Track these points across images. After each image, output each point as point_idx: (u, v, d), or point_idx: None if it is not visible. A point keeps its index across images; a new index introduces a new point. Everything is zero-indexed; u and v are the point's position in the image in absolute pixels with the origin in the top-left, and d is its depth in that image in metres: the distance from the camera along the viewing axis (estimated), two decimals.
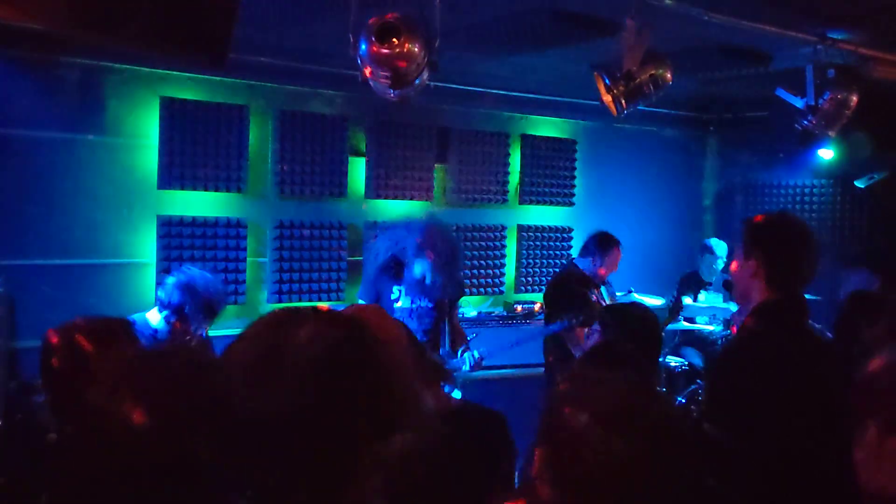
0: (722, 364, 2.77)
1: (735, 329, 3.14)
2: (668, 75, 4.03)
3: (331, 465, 1.02)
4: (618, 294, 6.01)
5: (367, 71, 3.24)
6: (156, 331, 3.96)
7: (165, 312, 3.91)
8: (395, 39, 3.12)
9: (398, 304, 4.85)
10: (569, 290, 5.34)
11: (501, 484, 2.12)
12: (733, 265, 2.76)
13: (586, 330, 3.38)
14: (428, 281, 4.71)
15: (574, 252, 7.42)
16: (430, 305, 4.88)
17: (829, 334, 5.08)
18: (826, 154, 6.80)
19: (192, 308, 3.88)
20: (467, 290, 6.76)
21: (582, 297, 5.25)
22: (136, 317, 4.12)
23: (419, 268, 4.73)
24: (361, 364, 1.06)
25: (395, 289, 4.89)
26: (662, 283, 6.87)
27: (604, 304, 5.43)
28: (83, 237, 5.23)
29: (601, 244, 5.42)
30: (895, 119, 6.21)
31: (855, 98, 4.79)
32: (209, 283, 4.01)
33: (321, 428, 1.01)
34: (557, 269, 7.37)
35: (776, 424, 2.35)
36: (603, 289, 5.61)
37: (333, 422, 1.01)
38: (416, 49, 3.18)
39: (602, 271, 5.44)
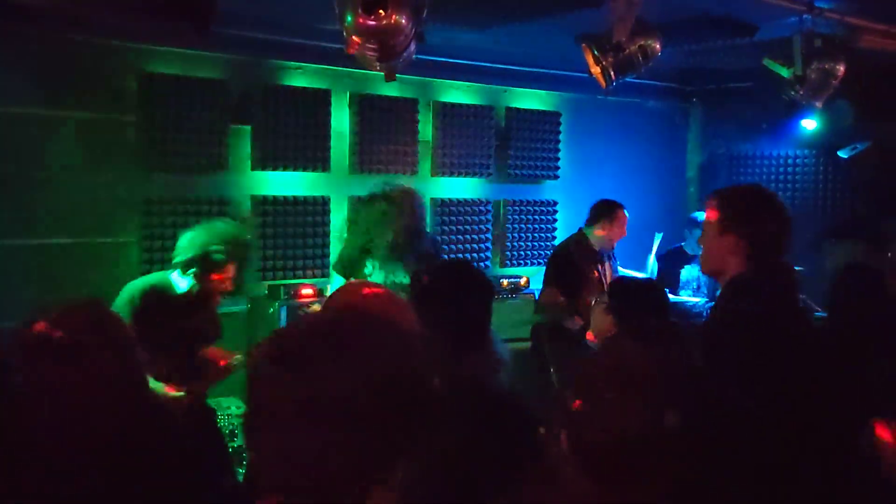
0: (709, 344, 2.73)
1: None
2: (658, 46, 3.99)
3: (367, 455, 1.00)
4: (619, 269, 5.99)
5: (354, 43, 3.17)
6: (182, 292, 3.87)
7: (184, 269, 3.76)
8: (381, 11, 3.05)
9: (371, 279, 4.83)
10: (566, 260, 5.33)
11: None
12: (707, 240, 2.72)
13: (592, 302, 3.36)
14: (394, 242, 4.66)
15: (560, 225, 7.41)
16: (406, 281, 4.85)
17: (814, 306, 5.13)
18: (809, 125, 6.81)
19: (209, 262, 3.72)
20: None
21: (578, 268, 5.24)
22: (157, 277, 4.03)
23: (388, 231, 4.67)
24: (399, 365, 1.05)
25: (369, 262, 4.86)
26: (645, 255, 6.87)
27: (605, 280, 5.42)
28: (64, 216, 5.13)
29: (605, 209, 5.42)
30: (878, 89, 6.22)
31: (842, 68, 4.78)
32: (223, 227, 3.88)
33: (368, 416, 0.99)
34: (541, 242, 7.38)
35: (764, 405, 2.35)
36: (609, 263, 5.58)
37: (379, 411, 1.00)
38: (404, 20, 3.11)
39: (613, 236, 5.42)
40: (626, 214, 5.51)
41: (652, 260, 6.50)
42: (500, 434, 2.22)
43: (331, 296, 2.25)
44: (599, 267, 5.47)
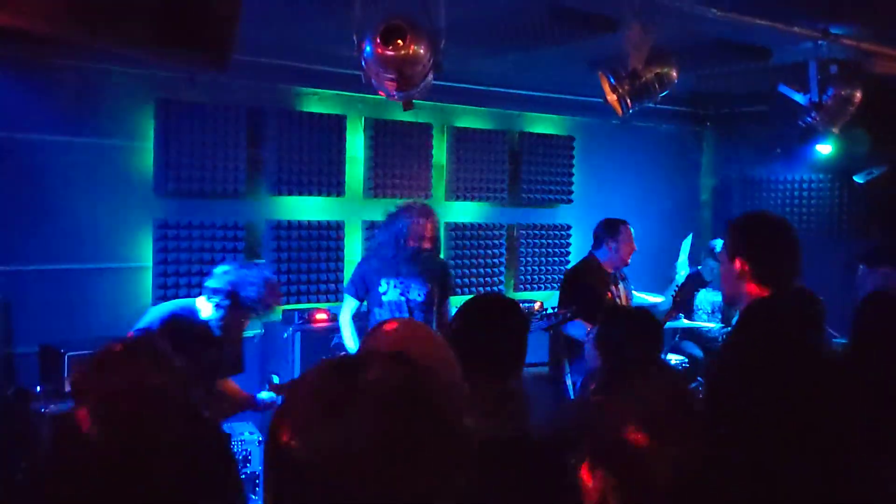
0: (717, 376, 2.69)
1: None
2: (674, 73, 3.99)
3: None
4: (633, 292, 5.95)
5: (372, 73, 3.18)
6: (207, 321, 3.88)
7: (216, 299, 3.73)
8: (399, 41, 3.06)
9: (386, 297, 4.86)
10: (579, 284, 5.30)
11: None
12: (721, 269, 2.74)
13: (588, 328, 3.33)
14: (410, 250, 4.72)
15: (574, 249, 7.40)
16: (420, 299, 4.87)
17: (833, 332, 5.08)
18: (824, 149, 6.78)
19: (243, 300, 3.73)
20: (466, 289, 6.75)
21: (593, 290, 5.21)
22: (182, 304, 4.03)
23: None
24: (428, 406, 1.04)
25: (384, 281, 4.89)
26: (660, 279, 6.84)
27: (619, 300, 5.39)
28: (79, 241, 5.15)
29: (608, 228, 5.35)
30: (894, 114, 6.19)
31: (858, 94, 4.76)
32: (261, 279, 3.84)
33: (388, 473, 0.98)
34: (555, 266, 7.36)
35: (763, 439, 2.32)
36: (622, 284, 5.54)
37: (400, 467, 0.99)
38: (422, 51, 3.12)
39: (623, 253, 5.35)
40: (631, 229, 5.41)
41: (682, 259, 6.39)
42: (539, 480, 2.19)
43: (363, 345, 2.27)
44: (613, 289, 5.45)
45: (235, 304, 3.74)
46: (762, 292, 2.58)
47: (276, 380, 4.40)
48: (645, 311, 3.58)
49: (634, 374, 2.51)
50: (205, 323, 3.78)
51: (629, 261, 5.50)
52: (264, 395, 4.13)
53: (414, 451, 1.00)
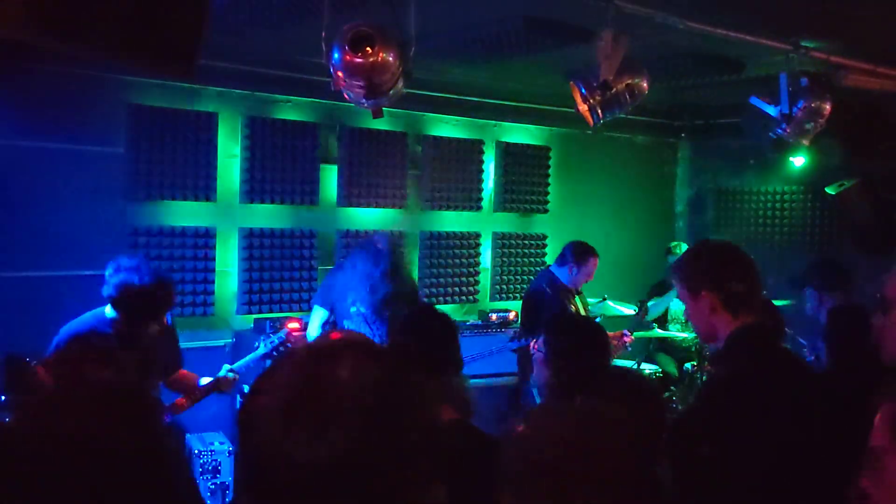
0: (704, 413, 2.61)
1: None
2: (645, 85, 4.00)
3: None
4: (591, 301, 6.00)
5: (341, 80, 3.17)
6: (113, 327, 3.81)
7: (117, 306, 3.69)
8: (368, 48, 3.05)
9: (353, 309, 4.83)
10: (546, 302, 5.34)
11: None
12: (688, 310, 2.64)
13: (532, 343, 3.22)
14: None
15: (549, 259, 7.40)
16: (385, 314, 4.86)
17: (801, 341, 5.12)
18: (797, 161, 6.84)
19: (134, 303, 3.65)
20: (442, 298, 6.74)
21: (559, 306, 5.25)
22: (89, 318, 3.95)
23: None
24: (407, 404, 1.01)
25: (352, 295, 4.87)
26: (635, 290, 6.86)
27: (580, 314, 5.46)
28: (49, 248, 5.08)
29: (577, 254, 5.44)
30: (865, 126, 6.25)
31: (828, 106, 4.80)
32: (146, 275, 3.73)
33: (369, 475, 0.96)
34: (533, 277, 7.37)
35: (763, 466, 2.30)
36: (578, 299, 5.61)
37: (382, 468, 0.97)
38: (391, 58, 3.11)
39: (578, 281, 5.47)
40: (597, 262, 5.52)
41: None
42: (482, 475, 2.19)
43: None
44: (572, 301, 5.53)
45: (129, 310, 3.67)
46: (737, 321, 2.48)
47: (246, 389, 4.36)
48: (589, 320, 3.60)
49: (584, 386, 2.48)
50: (104, 336, 3.62)
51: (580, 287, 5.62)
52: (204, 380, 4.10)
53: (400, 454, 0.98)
